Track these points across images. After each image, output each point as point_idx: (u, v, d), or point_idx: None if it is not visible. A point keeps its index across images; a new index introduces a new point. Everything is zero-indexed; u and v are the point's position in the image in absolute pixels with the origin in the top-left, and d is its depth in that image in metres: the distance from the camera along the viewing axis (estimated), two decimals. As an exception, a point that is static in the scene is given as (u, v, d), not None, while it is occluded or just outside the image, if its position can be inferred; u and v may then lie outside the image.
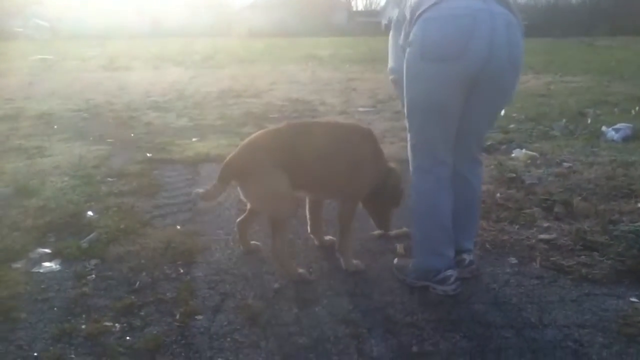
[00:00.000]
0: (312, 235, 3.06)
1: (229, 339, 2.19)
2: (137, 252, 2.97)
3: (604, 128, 5.65)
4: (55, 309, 2.41)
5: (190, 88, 10.07)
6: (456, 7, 2.17)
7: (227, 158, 2.69)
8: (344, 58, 16.97)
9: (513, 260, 2.86)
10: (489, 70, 2.21)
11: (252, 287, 2.61)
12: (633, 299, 2.44)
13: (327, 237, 3.03)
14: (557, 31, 26.10)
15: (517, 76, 2.35)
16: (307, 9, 39.20)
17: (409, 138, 2.49)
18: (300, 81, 11.12)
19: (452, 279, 2.47)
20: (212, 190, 2.66)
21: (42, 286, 2.61)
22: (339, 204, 2.80)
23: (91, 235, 3.14)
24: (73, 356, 2.09)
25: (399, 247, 2.99)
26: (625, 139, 5.31)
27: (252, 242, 3.02)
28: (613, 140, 5.32)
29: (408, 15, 2.29)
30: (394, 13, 2.52)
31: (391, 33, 2.55)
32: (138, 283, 2.64)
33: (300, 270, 2.69)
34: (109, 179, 4.31)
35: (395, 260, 2.77)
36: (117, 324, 2.29)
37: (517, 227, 3.26)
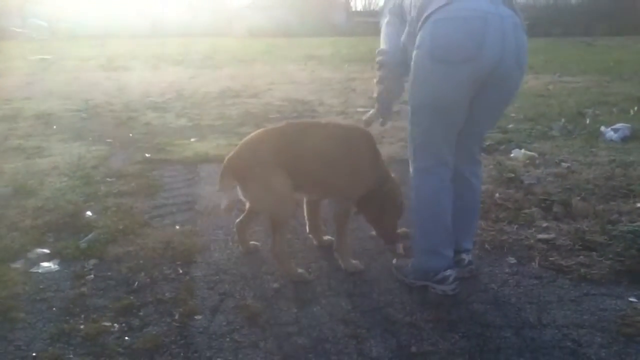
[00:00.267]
0: (310, 235, 3.06)
1: (228, 339, 2.19)
2: (136, 252, 2.97)
3: (602, 128, 5.65)
4: (53, 309, 2.41)
5: (190, 88, 10.06)
6: (466, 8, 2.16)
7: (227, 157, 2.69)
8: (343, 58, 16.96)
9: (512, 260, 2.86)
10: (498, 72, 2.22)
11: (251, 287, 2.61)
12: (632, 299, 2.44)
13: (326, 237, 3.03)
14: (556, 31, 26.11)
15: (522, 77, 2.36)
16: (306, 9, 39.18)
17: (411, 139, 2.47)
18: (299, 81, 11.12)
19: (451, 279, 2.47)
20: (227, 199, 2.69)
21: (41, 286, 2.61)
22: (334, 204, 2.79)
23: (90, 236, 3.14)
24: (71, 356, 2.08)
25: (398, 247, 2.98)
26: (624, 139, 5.31)
27: (251, 242, 3.02)
28: (612, 141, 5.32)
29: (414, 14, 2.28)
30: (390, 3, 2.54)
31: (386, 20, 2.55)
32: (137, 283, 2.64)
33: (300, 270, 2.69)
34: (108, 179, 4.31)
35: (394, 260, 2.77)
36: (115, 324, 2.29)
37: (516, 227, 3.26)
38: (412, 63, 2.31)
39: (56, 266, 2.82)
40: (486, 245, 3.02)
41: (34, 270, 2.77)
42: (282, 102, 8.33)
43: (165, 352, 2.11)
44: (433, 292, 2.50)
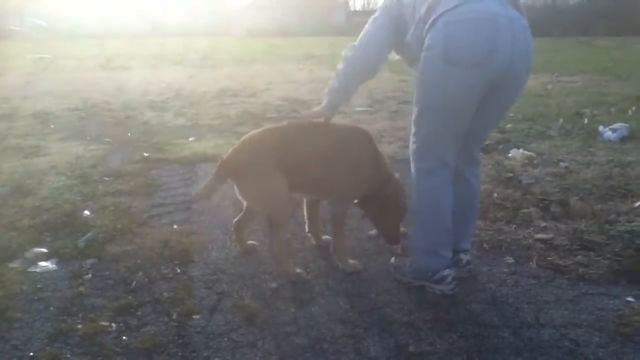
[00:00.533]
0: (309, 235, 3.05)
1: (226, 339, 2.18)
2: (134, 251, 2.96)
3: (600, 128, 5.65)
4: (51, 308, 2.41)
5: (188, 87, 10.05)
6: (478, 10, 2.15)
7: (224, 156, 2.68)
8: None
9: (510, 259, 2.86)
10: (509, 75, 2.22)
11: (249, 287, 2.61)
12: (629, 299, 2.44)
13: (325, 237, 3.03)
14: (554, 31, 26.12)
15: (527, 79, 2.37)
16: (305, 9, 39.18)
17: (415, 139, 2.45)
18: (297, 81, 11.11)
19: (450, 279, 2.47)
20: (207, 188, 2.67)
21: (39, 286, 2.60)
22: (333, 204, 2.78)
23: (88, 235, 3.14)
24: (69, 356, 2.08)
25: (396, 247, 2.98)
26: (622, 139, 5.32)
27: (249, 241, 3.02)
28: (610, 141, 5.32)
29: (423, 12, 2.25)
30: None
31: (374, 16, 2.51)
32: (135, 283, 2.64)
33: (298, 270, 2.69)
34: (106, 178, 4.31)
35: (392, 260, 2.76)
36: (113, 324, 2.29)
37: (514, 226, 3.26)
38: (421, 65, 2.28)
39: (54, 265, 2.81)
40: (484, 245, 3.02)
41: (31, 269, 2.77)
42: (281, 102, 8.33)
43: (163, 351, 2.11)
44: (431, 292, 2.50)
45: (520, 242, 3.05)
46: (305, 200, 2.96)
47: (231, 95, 9.14)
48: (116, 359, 2.07)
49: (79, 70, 13.22)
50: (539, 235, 3.11)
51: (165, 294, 2.53)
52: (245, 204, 2.82)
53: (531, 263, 2.82)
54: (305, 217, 3.02)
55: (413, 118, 2.43)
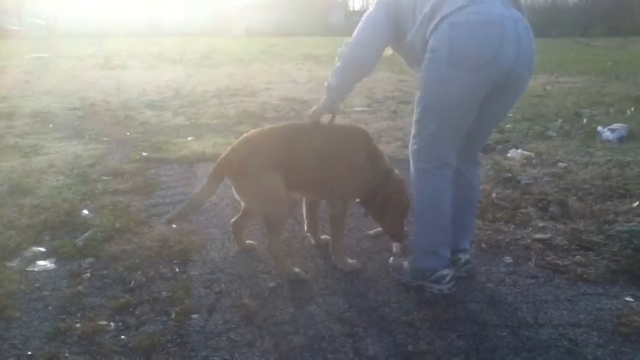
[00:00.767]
0: (308, 234, 3.05)
1: (224, 338, 2.18)
2: (133, 250, 2.96)
3: (599, 128, 5.65)
4: (49, 307, 2.41)
5: (187, 87, 10.05)
6: (483, 12, 2.14)
7: (221, 156, 2.68)
8: (341, 57, 16.94)
9: (508, 259, 2.86)
10: (512, 76, 2.22)
11: (248, 286, 2.61)
12: (628, 299, 2.44)
13: (324, 236, 3.02)
14: (553, 31, 26.15)
15: (530, 79, 2.37)
16: (304, 9, 39.18)
17: (415, 140, 2.44)
18: (296, 80, 11.12)
19: (448, 278, 2.47)
20: (204, 190, 2.67)
21: (37, 285, 2.60)
22: (331, 204, 2.78)
23: (86, 234, 3.13)
24: (67, 355, 2.08)
25: (395, 246, 2.98)
26: (621, 140, 5.32)
27: (248, 241, 3.02)
28: (608, 141, 5.32)
29: (427, 10, 2.22)
30: None
31: (369, 11, 2.47)
32: (133, 282, 2.63)
33: (296, 269, 2.68)
34: (105, 177, 4.30)
35: (391, 260, 2.76)
36: (112, 323, 2.28)
37: (512, 226, 3.26)
38: (425, 66, 2.27)
39: (52, 265, 2.81)
40: (483, 245, 3.02)
41: (30, 268, 2.76)
42: (280, 101, 8.33)
43: (162, 351, 2.11)
44: (429, 291, 2.50)
45: (519, 242, 3.05)
46: (304, 199, 2.96)
47: (230, 94, 9.14)
48: (115, 358, 2.07)
49: (78, 70, 13.21)
50: (537, 235, 3.11)
51: (163, 293, 2.53)
52: (243, 203, 2.82)
53: (530, 263, 2.82)
54: (305, 216, 3.02)
55: (415, 118, 2.42)
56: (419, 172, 2.46)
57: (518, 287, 2.58)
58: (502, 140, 5.42)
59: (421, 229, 2.51)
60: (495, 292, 2.54)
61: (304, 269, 2.74)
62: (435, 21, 2.19)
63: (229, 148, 2.70)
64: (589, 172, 4.23)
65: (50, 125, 6.50)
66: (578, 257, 2.84)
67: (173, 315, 2.33)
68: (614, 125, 5.59)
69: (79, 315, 2.34)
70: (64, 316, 2.33)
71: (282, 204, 2.63)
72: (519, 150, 4.90)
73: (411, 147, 2.48)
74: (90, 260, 2.86)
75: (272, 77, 11.73)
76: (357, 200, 2.85)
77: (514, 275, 2.70)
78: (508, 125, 6.10)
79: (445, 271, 2.47)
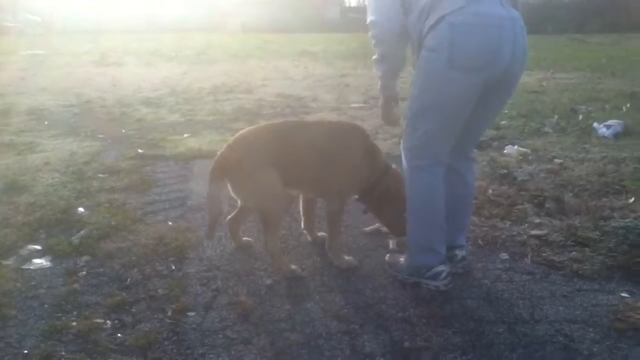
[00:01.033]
0: (305, 232, 3.05)
1: (221, 336, 2.18)
2: (129, 248, 2.95)
3: (595, 124, 5.67)
4: (45, 305, 2.40)
5: (183, 84, 10.02)
6: (483, 14, 2.15)
7: (217, 155, 2.67)
8: (337, 54, 16.95)
9: (505, 256, 2.87)
10: (506, 75, 2.25)
11: (244, 284, 2.61)
12: (624, 294, 2.45)
13: (320, 234, 3.02)
14: (549, 28, 26.19)
15: (521, 75, 2.39)
16: (300, 5, 39.09)
17: (409, 138, 2.44)
18: (292, 77, 11.10)
19: (444, 275, 2.48)
20: (211, 194, 2.63)
21: (33, 283, 2.59)
22: (328, 201, 2.78)
23: (82, 232, 3.12)
24: (63, 353, 2.07)
25: (391, 243, 2.99)
26: (616, 136, 5.33)
27: (244, 238, 3.01)
28: (604, 137, 5.34)
29: (425, 4, 2.20)
30: None
31: None
32: (129, 280, 2.63)
33: (293, 267, 2.68)
34: (100, 175, 4.29)
35: (387, 257, 2.77)
36: (108, 321, 2.28)
37: (508, 223, 3.27)
38: (423, 64, 2.27)
39: (48, 263, 2.80)
40: (479, 241, 3.03)
41: (25, 267, 2.75)
42: (276, 98, 8.31)
43: (158, 348, 2.10)
44: (426, 288, 2.51)
45: (515, 238, 3.06)
46: (301, 196, 2.96)
47: (226, 91, 9.12)
48: (111, 356, 2.06)
49: (73, 67, 13.15)
50: (533, 232, 3.12)
51: (160, 290, 2.53)
52: (239, 201, 2.82)
53: (526, 259, 2.82)
54: (302, 213, 3.02)
55: (409, 116, 2.42)
56: (412, 170, 2.46)
57: (514, 283, 2.58)
58: (498, 137, 5.42)
59: (416, 226, 2.51)
60: (491, 288, 2.55)
61: (300, 266, 2.74)
62: (433, 18, 2.19)
63: (225, 146, 2.70)
64: (584, 169, 4.24)
65: (46, 123, 6.48)
66: (574, 253, 2.85)
67: (169, 313, 2.33)
68: (610, 122, 5.61)
69: (74, 313, 2.34)
70: (59, 314, 2.32)
71: (278, 201, 2.63)
72: (515, 147, 4.90)
73: (404, 144, 2.48)
74: (86, 258, 2.85)
75: (268, 73, 11.71)
76: (356, 197, 2.85)
77: (510, 271, 2.70)
78: (504, 122, 6.11)
79: (441, 267, 2.48)
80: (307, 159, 2.63)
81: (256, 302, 2.43)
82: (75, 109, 7.42)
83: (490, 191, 3.77)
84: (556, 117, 6.37)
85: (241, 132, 2.73)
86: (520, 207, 3.49)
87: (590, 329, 2.20)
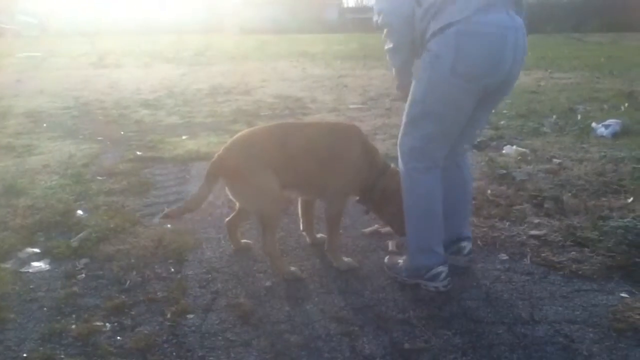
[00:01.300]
0: (304, 233, 3.05)
1: (220, 338, 2.18)
2: (128, 251, 2.95)
3: (593, 124, 5.67)
4: (44, 308, 2.39)
5: (181, 85, 10.02)
6: (490, 24, 2.17)
7: (215, 156, 2.67)
8: (335, 55, 16.95)
9: (504, 256, 2.87)
10: (507, 80, 2.31)
11: (244, 286, 2.60)
12: (623, 294, 2.45)
13: (319, 235, 3.02)
14: (547, 27, 26.20)
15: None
16: (299, 6, 39.11)
17: (406, 140, 2.44)
18: (291, 78, 11.10)
19: (443, 275, 2.48)
20: (199, 194, 2.64)
21: (31, 286, 2.59)
22: (326, 203, 2.78)
23: (81, 234, 3.12)
24: (63, 356, 2.07)
25: (390, 244, 2.99)
26: (615, 135, 5.34)
27: (243, 240, 3.01)
28: (603, 137, 5.34)
29: (430, 5, 2.19)
30: None
31: None
32: (128, 282, 2.62)
33: (292, 268, 2.68)
34: (99, 177, 4.28)
35: (386, 258, 2.76)
36: (107, 324, 2.27)
37: (507, 223, 3.27)
38: (427, 69, 2.27)
39: (47, 265, 2.80)
40: (478, 242, 3.02)
41: (24, 269, 2.75)
42: (274, 99, 8.31)
43: (158, 351, 2.10)
44: (425, 289, 2.50)
45: (514, 238, 3.06)
46: (299, 198, 2.96)
47: (224, 92, 9.12)
48: (110, 359, 2.06)
49: (71, 69, 13.15)
50: (532, 232, 3.12)
51: (159, 293, 2.52)
52: (237, 203, 2.81)
53: (525, 259, 2.82)
54: (300, 215, 3.02)
55: (408, 118, 2.42)
56: (410, 172, 2.46)
57: (513, 284, 2.58)
58: (497, 137, 5.43)
59: (415, 227, 2.50)
60: (490, 289, 2.55)
61: (299, 268, 2.73)
62: (440, 22, 2.19)
63: (222, 148, 2.69)
64: (583, 168, 4.24)
65: (44, 125, 6.47)
66: (573, 253, 2.85)
67: (169, 316, 2.33)
68: (608, 121, 5.61)
69: (74, 316, 2.33)
70: (59, 317, 2.32)
71: (276, 203, 2.63)
72: (514, 147, 4.91)
73: (402, 146, 2.48)
74: (85, 260, 2.84)
75: (266, 74, 11.71)
76: (357, 199, 2.84)
77: (510, 272, 2.70)
78: (502, 122, 6.12)
79: (440, 268, 2.48)
80: (305, 160, 2.63)
81: (255, 304, 2.43)
82: (73, 111, 7.41)
83: (489, 191, 3.77)
84: (554, 116, 6.38)
85: (239, 134, 2.73)
86: (519, 207, 3.49)
87: (590, 329, 2.20)
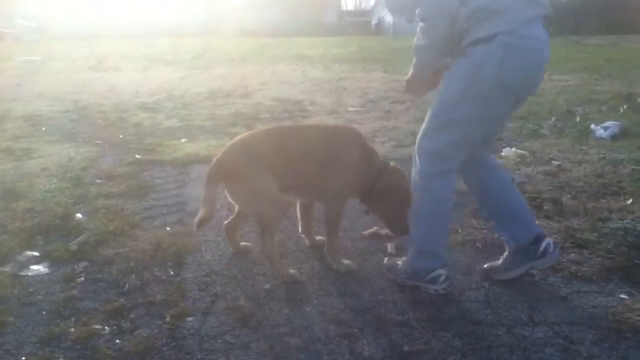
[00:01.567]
0: (303, 236, 3.05)
1: (219, 341, 2.17)
2: (127, 254, 2.95)
3: (592, 126, 5.68)
4: (43, 312, 2.39)
5: (180, 88, 10.03)
6: (532, 38, 2.23)
7: (214, 160, 2.67)
8: (334, 57, 16.97)
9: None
10: (533, 88, 2.40)
11: (243, 288, 2.60)
12: (622, 296, 2.45)
13: (318, 237, 3.02)
14: (548, 30, 26.23)
15: None
16: (298, 9, 39.22)
17: (429, 143, 2.40)
18: (290, 81, 11.11)
19: (443, 278, 2.47)
20: (206, 207, 2.57)
21: (30, 289, 2.59)
22: (325, 205, 2.78)
23: (80, 238, 3.12)
24: (62, 360, 2.07)
25: (390, 247, 2.99)
26: (614, 137, 5.34)
27: (242, 243, 3.01)
28: (602, 138, 5.35)
29: (475, 9, 2.16)
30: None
31: None
32: (127, 285, 2.62)
33: (291, 271, 2.68)
34: (98, 180, 4.28)
35: (386, 260, 2.76)
36: (106, 327, 2.27)
37: (507, 225, 3.26)
38: (462, 76, 2.26)
39: (46, 269, 2.80)
40: (478, 244, 3.02)
41: (23, 273, 2.75)
42: (273, 102, 8.32)
43: (157, 354, 2.10)
44: (424, 292, 2.50)
45: (514, 240, 3.05)
46: (298, 201, 2.96)
47: (223, 95, 9.12)
48: (109, 362, 2.06)
49: (70, 72, 13.16)
50: (532, 234, 3.11)
51: (158, 296, 2.52)
52: (236, 205, 2.81)
53: (524, 261, 2.82)
54: (299, 218, 3.02)
55: (435, 123, 2.39)
56: (427, 175, 2.43)
57: (513, 285, 2.58)
58: (496, 139, 5.42)
59: (423, 229, 2.50)
60: (490, 291, 2.54)
61: (299, 270, 2.73)
62: (486, 29, 2.17)
63: (221, 151, 2.69)
64: (582, 170, 4.25)
65: (43, 128, 6.47)
66: (572, 255, 2.85)
67: (168, 319, 2.32)
68: (607, 123, 5.61)
69: (73, 319, 2.33)
70: (58, 321, 2.32)
71: (275, 206, 2.63)
72: (513, 149, 4.91)
73: (423, 150, 2.44)
74: (84, 264, 2.84)
75: (265, 77, 11.72)
76: (358, 201, 2.84)
77: (509, 273, 2.70)
78: (501, 124, 6.11)
79: (440, 271, 2.47)
80: (304, 163, 2.63)
81: (255, 306, 2.42)
82: (72, 115, 7.41)
83: (488, 193, 3.76)
84: (553, 118, 6.38)
85: (237, 137, 2.74)
86: (518, 209, 3.48)
87: (590, 331, 2.19)
